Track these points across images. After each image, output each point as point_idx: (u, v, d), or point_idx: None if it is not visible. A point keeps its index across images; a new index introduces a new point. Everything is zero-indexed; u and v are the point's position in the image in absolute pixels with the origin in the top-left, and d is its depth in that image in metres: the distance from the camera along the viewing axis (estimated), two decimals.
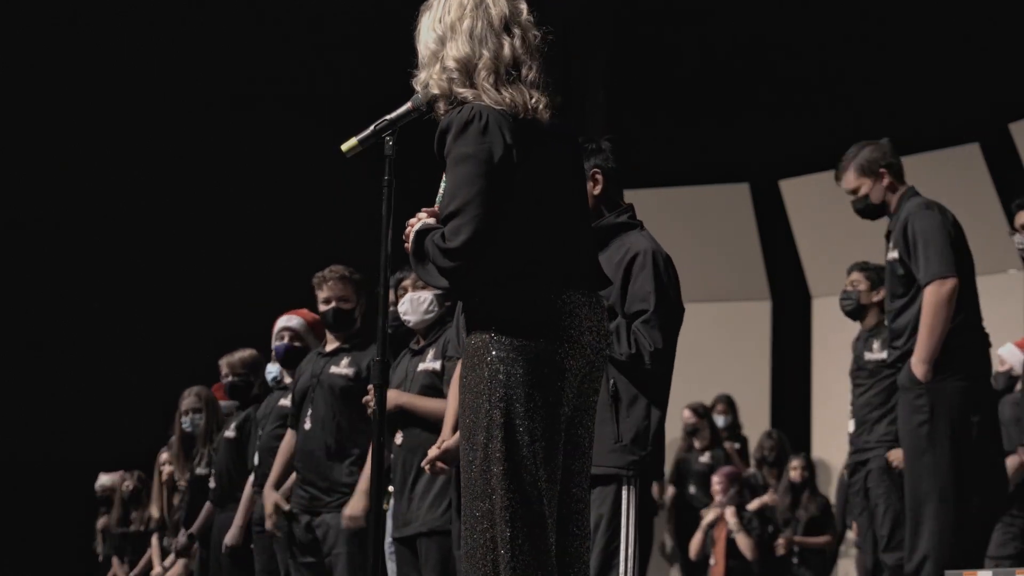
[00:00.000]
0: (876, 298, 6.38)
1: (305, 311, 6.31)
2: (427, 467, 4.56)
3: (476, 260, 2.96)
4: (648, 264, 4.00)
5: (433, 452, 4.53)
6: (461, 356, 3.14)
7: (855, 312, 6.49)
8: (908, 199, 5.35)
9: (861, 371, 6.38)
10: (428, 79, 3.12)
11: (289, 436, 5.89)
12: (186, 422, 7.24)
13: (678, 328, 4.04)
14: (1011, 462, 6.32)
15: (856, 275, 6.51)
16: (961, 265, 5.17)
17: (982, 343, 5.28)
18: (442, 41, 3.10)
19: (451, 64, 3.08)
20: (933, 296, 5.06)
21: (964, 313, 5.14)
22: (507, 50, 3.09)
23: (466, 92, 3.06)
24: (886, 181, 5.36)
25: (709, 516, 8.67)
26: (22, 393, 11.26)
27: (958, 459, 5.10)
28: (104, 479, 10.02)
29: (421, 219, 3.12)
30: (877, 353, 6.29)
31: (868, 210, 5.45)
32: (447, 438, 4.54)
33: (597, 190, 4.16)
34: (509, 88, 3.07)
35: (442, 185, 3.18)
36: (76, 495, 10.86)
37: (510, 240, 3.00)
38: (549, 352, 3.01)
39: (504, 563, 2.94)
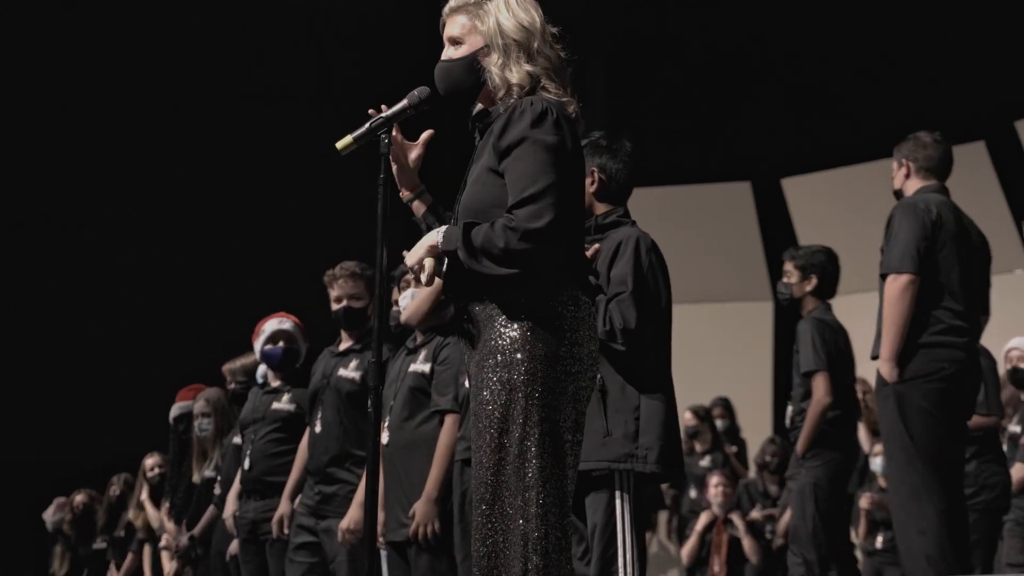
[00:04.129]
0: (808, 287, 6.34)
1: (283, 313, 6.30)
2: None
3: (550, 245, 3.02)
4: (629, 249, 4.04)
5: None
6: (480, 353, 3.09)
7: (791, 305, 6.44)
8: (919, 195, 5.25)
9: (794, 366, 6.37)
10: (512, 67, 3.19)
11: (305, 438, 5.82)
12: (196, 427, 7.22)
13: (658, 312, 4.06)
14: (1016, 473, 6.31)
15: (787, 265, 6.42)
16: (935, 261, 5.07)
17: (960, 342, 5.11)
18: (531, 36, 3.20)
19: (543, 63, 3.20)
20: (886, 291, 5.05)
21: (933, 311, 5.05)
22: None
23: (555, 89, 3.18)
24: (903, 171, 5.31)
25: (702, 520, 8.63)
26: (14, 395, 11.28)
27: (928, 461, 4.98)
28: (51, 515, 10.22)
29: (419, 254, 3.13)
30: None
31: (896, 196, 5.37)
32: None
33: (592, 188, 4.20)
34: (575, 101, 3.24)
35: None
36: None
37: (563, 233, 3.08)
38: (582, 353, 3.07)
39: (537, 557, 2.96)
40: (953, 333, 5.05)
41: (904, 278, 4.99)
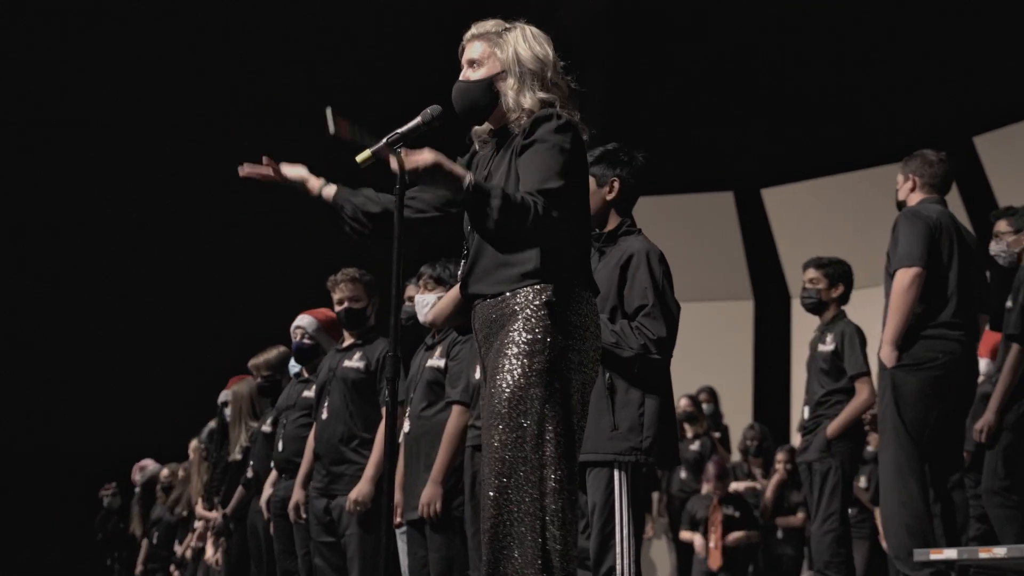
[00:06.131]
0: (835, 293, 6.59)
1: (321, 310, 6.56)
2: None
3: (554, 238, 3.24)
4: (642, 263, 4.22)
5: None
6: (498, 343, 3.29)
7: (815, 308, 6.66)
8: (921, 204, 5.52)
9: (814, 361, 6.69)
10: (527, 92, 3.38)
11: (314, 429, 6.09)
12: (225, 414, 7.77)
13: (677, 318, 4.25)
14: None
15: (813, 273, 6.65)
16: (936, 262, 5.35)
17: (955, 335, 5.38)
18: (544, 67, 3.41)
19: (556, 92, 3.41)
20: (896, 282, 5.30)
21: (931, 306, 5.36)
22: None
23: (570, 113, 3.40)
24: (909, 185, 5.60)
25: (699, 542, 8.94)
26: (56, 387, 11.72)
27: (916, 442, 5.24)
28: (146, 466, 10.65)
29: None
30: (828, 346, 6.52)
31: (898, 207, 5.63)
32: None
33: (611, 196, 4.36)
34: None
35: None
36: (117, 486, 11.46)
37: (572, 237, 3.32)
38: (588, 348, 3.29)
39: (555, 528, 3.15)
40: (949, 327, 5.37)
41: (913, 270, 5.28)
